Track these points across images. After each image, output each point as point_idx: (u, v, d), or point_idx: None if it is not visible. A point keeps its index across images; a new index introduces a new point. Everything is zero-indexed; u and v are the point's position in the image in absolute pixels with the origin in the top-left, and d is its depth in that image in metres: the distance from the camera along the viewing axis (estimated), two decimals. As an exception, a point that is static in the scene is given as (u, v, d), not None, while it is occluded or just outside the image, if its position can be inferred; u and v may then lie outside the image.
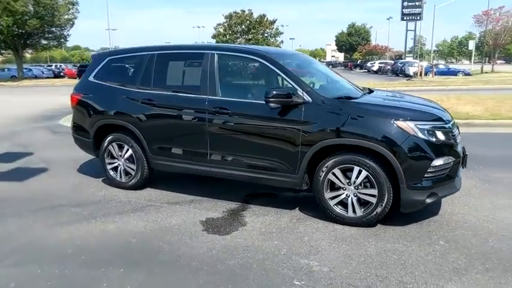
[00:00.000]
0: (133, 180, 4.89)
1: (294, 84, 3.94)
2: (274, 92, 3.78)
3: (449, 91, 17.89)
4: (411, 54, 56.35)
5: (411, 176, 3.53)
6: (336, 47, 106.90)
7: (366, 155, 3.66)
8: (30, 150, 7.34)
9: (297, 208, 4.33)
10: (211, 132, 4.25)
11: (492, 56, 47.15)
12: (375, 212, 3.69)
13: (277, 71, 4.08)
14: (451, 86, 21.07)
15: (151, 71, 4.69)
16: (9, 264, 3.23)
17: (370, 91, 4.79)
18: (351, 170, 3.73)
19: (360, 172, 3.68)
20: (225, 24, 31.35)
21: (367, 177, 3.67)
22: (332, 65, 73.51)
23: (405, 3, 59.99)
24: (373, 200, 3.69)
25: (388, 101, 4.33)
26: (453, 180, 3.78)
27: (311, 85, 4.10)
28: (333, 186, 3.87)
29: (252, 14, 30.65)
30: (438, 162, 3.58)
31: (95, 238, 3.67)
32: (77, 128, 5.34)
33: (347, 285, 2.83)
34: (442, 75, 33.83)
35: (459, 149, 3.89)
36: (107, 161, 5.03)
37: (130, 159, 4.88)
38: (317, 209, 4.13)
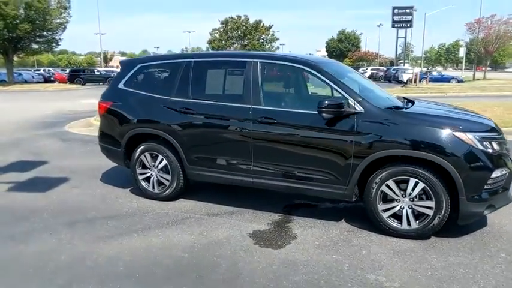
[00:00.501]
0: (167, 191, 4.73)
1: (344, 94, 3.85)
2: (326, 102, 3.70)
3: (449, 98, 18.07)
4: (407, 61, 57.12)
5: (471, 188, 3.46)
6: (326, 53, 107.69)
7: (422, 166, 3.58)
8: (44, 159, 7.10)
9: (343, 219, 4.22)
10: (256, 142, 4.13)
11: (484, 64, 48.00)
12: (431, 224, 3.61)
13: (325, 80, 3.99)
14: (449, 93, 21.31)
15: (188, 78, 4.55)
16: (61, 284, 3.04)
17: (408, 100, 4.72)
18: (406, 181, 3.66)
19: (416, 184, 3.60)
20: (221, 30, 31.24)
21: (423, 189, 3.59)
22: None
23: (396, 11, 60.99)
24: (430, 212, 3.61)
25: (440, 111, 4.26)
26: (508, 192, 3.73)
27: None
28: (385, 198, 3.78)
29: (248, 19, 30.65)
30: (496, 173, 3.53)
31: (143, 253, 3.51)
32: (105, 137, 5.16)
33: (427, 303, 2.74)
34: (435, 82, 34.29)
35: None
36: (139, 171, 4.86)
37: (164, 169, 4.72)
38: (363, 220, 4.05)
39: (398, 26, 61.23)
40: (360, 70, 59.37)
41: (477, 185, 3.47)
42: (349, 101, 3.78)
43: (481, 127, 3.72)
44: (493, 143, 3.60)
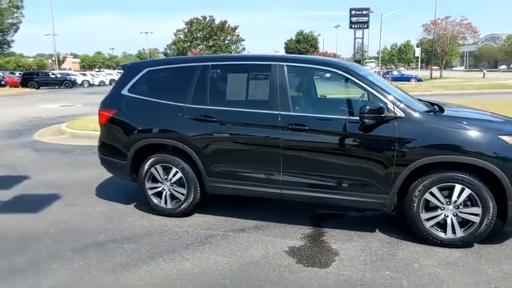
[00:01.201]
0: (183, 206, 4.32)
1: (382, 98, 3.65)
2: (368, 107, 3.48)
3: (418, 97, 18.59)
4: (372, 60, 58.76)
5: (522, 193, 3.37)
6: (285, 54, 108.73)
7: (467, 171, 3.45)
8: (23, 173, 6.39)
9: (377, 230, 4.03)
10: (286, 150, 3.84)
11: (434, 63, 50.36)
12: (478, 232, 3.50)
13: (361, 83, 3.77)
14: (415, 92, 21.88)
15: (205, 83, 4.18)
16: (98, 327, 2.61)
17: (431, 103, 4.60)
18: (450, 188, 3.51)
19: (462, 190, 3.47)
20: (185, 31, 30.35)
21: (469, 195, 3.46)
22: None
23: (353, 12, 62.74)
24: (476, 220, 3.48)
25: (476, 115, 4.17)
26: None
27: None
28: (427, 206, 3.62)
29: (213, 20, 30.05)
30: (541, 177, 3.46)
31: (178, 282, 3.11)
32: (108, 149, 4.66)
33: (510, 322, 2.58)
34: (396, 81, 35.46)
35: None
36: (148, 185, 4.42)
37: (178, 182, 4.31)
38: (399, 229, 3.91)
39: (356, 27, 62.61)
40: (321, 70, 60.44)
41: (527, 189, 3.38)
42: (388, 105, 3.59)
43: (521, 129, 3.65)
44: (533, 146, 3.53)
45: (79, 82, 40.63)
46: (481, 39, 56.00)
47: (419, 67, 50.66)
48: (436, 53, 42.77)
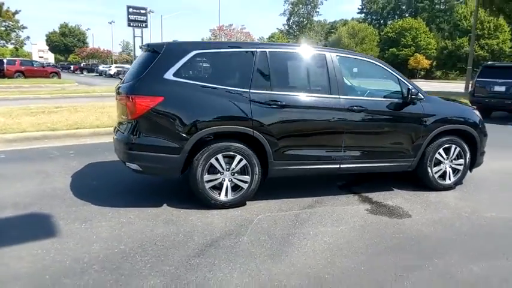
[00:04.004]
0: (247, 193, 4.24)
1: (410, 85, 4.75)
2: (414, 91, 4.56)
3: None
4: None
5: (482, 147, 5.16)
6: (47, 47, 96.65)
7: (457, 135, 5.00)
8: None
9: (393, 188, 5.12)
10: (348, 129, 4.45)
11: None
12: (461, 176, 5.13)
13: (395, 74, 4.78)
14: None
15: (267, 70, 4.23)
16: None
17: None
18: (448, 148, 4.99)
19: (455, 149, 5.00)
20: None
21: (458, 151, 5.03)
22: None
23: (131, 10, 61.70)
24: (461, 168, 5.10)
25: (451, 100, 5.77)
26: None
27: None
28: (434, 163, 4.99)
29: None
30: (485, 136, 5.38)
31: (347, 245, 3.35)
32: (150, 143, 3.96)
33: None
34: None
35: None
36: (206, 178, 4.09)
37: (241, 170, 4.20)
38: (405, 185, 5.16)
39: (134, 25, 62.15)
40: (101, 67, 56.88)
41: (484, 144, 5.21)
42: (417, 91, 4.74)
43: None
44: (480, 116, 5.43)
45: None
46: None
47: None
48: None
